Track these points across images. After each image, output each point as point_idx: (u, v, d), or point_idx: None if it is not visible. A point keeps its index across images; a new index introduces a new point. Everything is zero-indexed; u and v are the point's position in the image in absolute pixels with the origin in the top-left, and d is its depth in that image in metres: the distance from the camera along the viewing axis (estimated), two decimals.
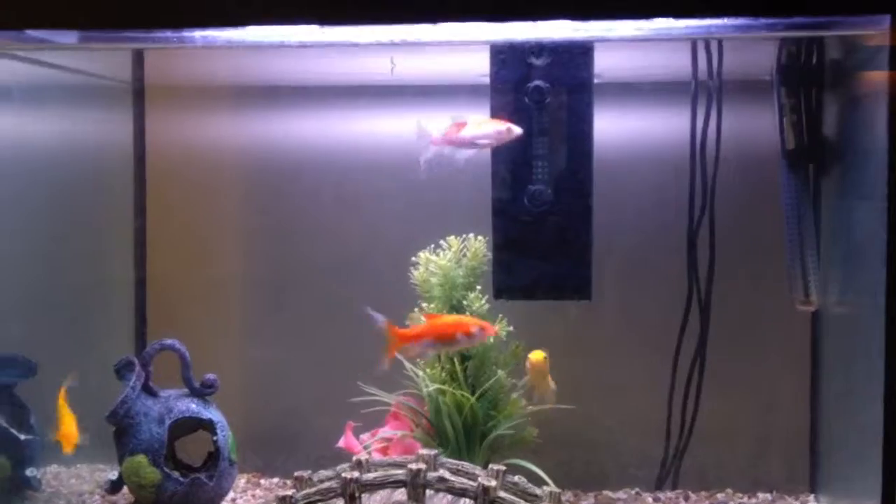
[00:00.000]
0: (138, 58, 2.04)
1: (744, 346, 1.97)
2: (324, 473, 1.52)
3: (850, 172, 1.63)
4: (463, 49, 1.76)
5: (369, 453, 1.74)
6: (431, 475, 1.46)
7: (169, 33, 1.44)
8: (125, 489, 1.82)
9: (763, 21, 1.52)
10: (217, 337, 2.09)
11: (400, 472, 1.48)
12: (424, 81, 1.95)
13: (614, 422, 1.98)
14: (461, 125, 1.67)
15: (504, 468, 1.51)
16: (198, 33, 1.44)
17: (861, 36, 1.56)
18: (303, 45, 1.48)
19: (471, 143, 1.68)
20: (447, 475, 1.47)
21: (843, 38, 1.67)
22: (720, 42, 1.84)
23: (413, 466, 1.46)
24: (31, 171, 1.92)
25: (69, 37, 1.57)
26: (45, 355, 1.84)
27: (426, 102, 1.96)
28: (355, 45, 1.48)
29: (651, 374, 1.97)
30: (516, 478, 1.51)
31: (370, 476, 1.48)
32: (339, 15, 1.34)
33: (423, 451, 1.52)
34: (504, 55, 1.71)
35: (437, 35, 1.49)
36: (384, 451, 1.80)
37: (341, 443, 1.85)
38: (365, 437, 1.84)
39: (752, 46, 1.85)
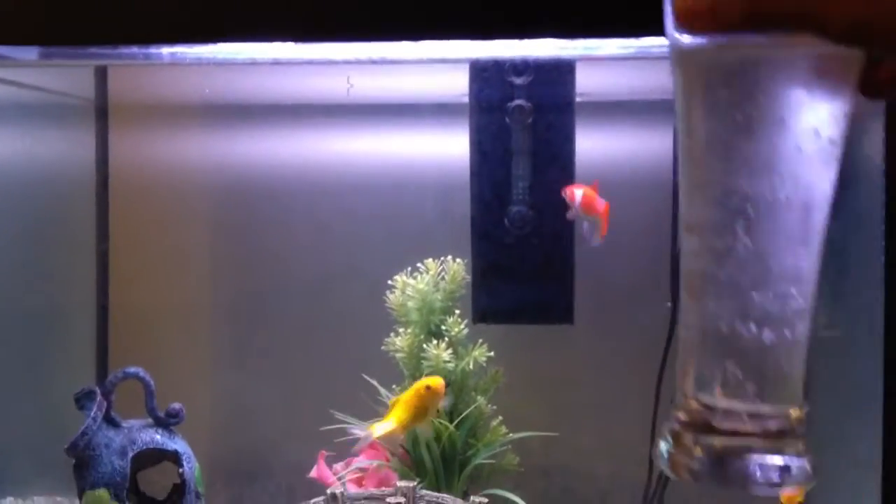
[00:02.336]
0: (101, 74, 1.97)
1: None
2: None
3: (842, 192, 1.59)
4: (442, 67, 1.72)
5: (343, 485, 1.68)
6: None
7: (135, 49, 1.37)
8: None
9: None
10: (183, 365, 2.02)
11: None
12: (403, 100, 1.91)
13: (595, 448, 1.94)
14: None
15: (486, 501, 1.46)
16: (165, 50, 1.38)
17: None
18: (277, 63, 1.42)
19: None
20: None
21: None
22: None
23: (392, 500, 1.41)
24: None
25: (29, 53, 1.50)
26: (1, 384, 1.77)
27: (406, 122, 1.92)
28: (332, 62, 1.43)
29: (634, 399, 1.93)
30: None
31: None
32: (314, 32, 1.29)
33: (402, 484, 1.47)
34: (484, 73, 1.67)
35: (418, 53, 1.44)
36: (359, 481, 1.74)
37: (314, 473, 1.78)
38: (338, 466, 1.77)
39: None
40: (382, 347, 1.72)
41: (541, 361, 1.85)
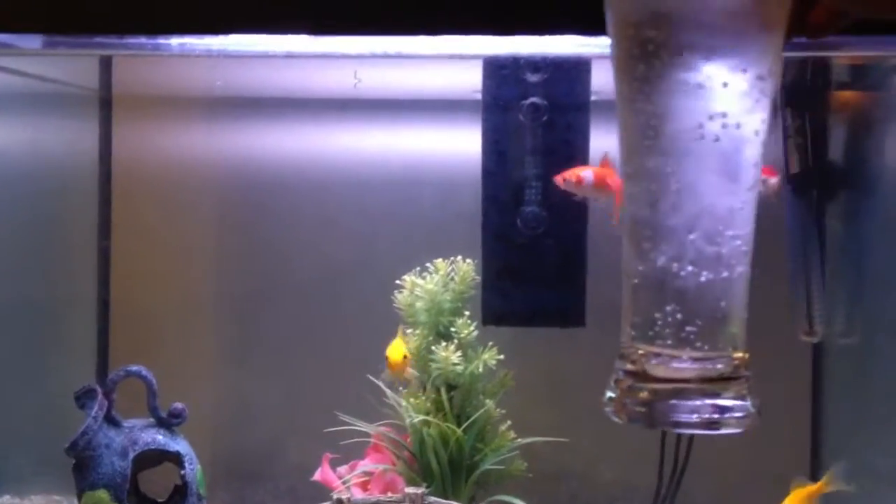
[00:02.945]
0: (106, 64, 1.93)
1: None
2: None
3: (859, 198, 1.57)
4: (453, 63, 1.68)
5: (348, 488, 1.65)
6: None
7: (143, 39, 1.33)
8: None
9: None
10: (185, 362, 1.99)
11: None
12: (413, 96, 1.88)
13: (604, 453, 1.91)
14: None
15: None
16: (174, 41, 1.33)
17: (872, 56, 1.50)
18: (290, 56, 1.38)
19: None
20: None
21: (852, 58, 1.61)
22: None
23: None
24: None
25: (33, 41, 1.46)
26: None
27: (415, 118, 1.88)
28: (346, 56, 1.39)
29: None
30: None
31: None
32: (330, 25, 1.25)
33: (410, 490, 1.44)
34: (499, 70, 1.63)
35: (432, 48, 1.40)
36: (364, 485, 1.70)
37: (317, 476, 1.74)
38: (343, 470, 1.74)
39: None
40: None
41: (551, 364, 1.82)
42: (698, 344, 0.69)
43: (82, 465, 1.66)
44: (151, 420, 1.70)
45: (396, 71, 1.78)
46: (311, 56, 1.43)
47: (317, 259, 1.96)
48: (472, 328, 1.69)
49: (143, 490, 1.74)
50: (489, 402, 1.69)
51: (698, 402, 0.69)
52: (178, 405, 1.70)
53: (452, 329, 1.69)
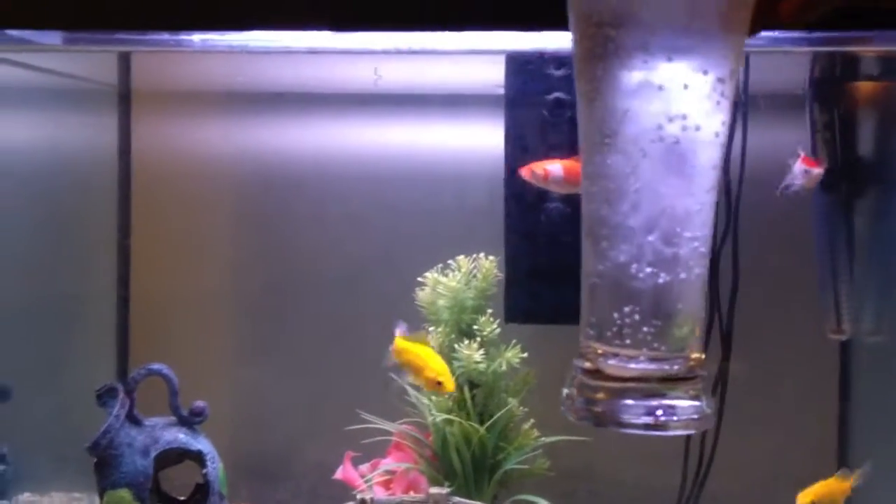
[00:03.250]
0: (124, 60, 1.92)
1: (767, 375, 1.87)
2: None
3: (889, 193, 1.54)
4: (474, 58, 1.66)
5: (371, 487, 1.63)
6: None
7: (166, 36, 1.32)
8: None
9: (795, 34, 1.43)
10: (204, 360, 1.98)
11: None
12: (434, 91, 1.86)
13: (624, 451, 1.89)
14: None
15: None
16: (196, 37, 1.32)
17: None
18: (312, 52, 1.36)
19: None
20: None
21: (881, 52, 1.58)
22: (747, 55, 1.74)
23: None
24: (3, 179, 1.80)
25: (53, 38, 1.45)
26: (19, 377, 1.72)
27: (436, 113, 1.86)
28: (368, 52, 1.37)
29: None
30: None
31: None
32: (352, 20, 1.23)
33: (434, 490, 1.43)
34: (522, 65, 1.61)
35: (455, 43, 1.39)
36: (386, 484, 1.69)
37: (339, 474, 1.73)
38: (365, 468, 1.72)
39: (783, 58, 1.76)
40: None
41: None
42: (655, 344, 0.69)
43: (104, 464, 1.65)
44: (173, 418, 1.69)
45: (417, 67, 1.77)
46: (333, 52, 1.41)
47: (337, 255, 1.95)
48: (494, 326, 1.67)
49: (163, 489, 1.74)
50: (512, 401, 1.67)
51: (654, 403, 0.69)
52: (200, 403, 1.69)
53: (475, 327, 1.67)
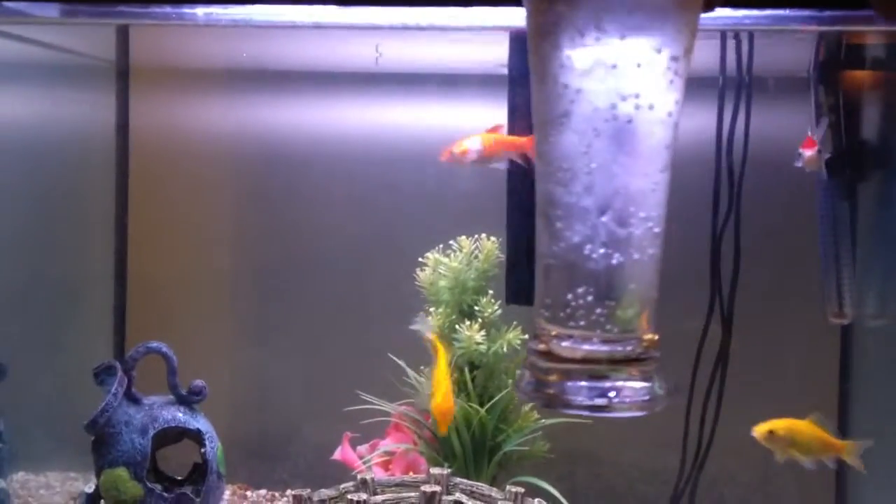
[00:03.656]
0: (123, 35, 1.89)
1: (766, 358, 1.87)
2: (325, 492, 1.41)
3: (893, 179, 1.54)
4: (481, 36, 1.64)
5: (370, 468, 1.62)
6: (447, 499, 1.36)
7: (168, 9, 1.30)
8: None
9: (800, 13, 1.42)
10: (202, 339, 1.96)
11: (412, 494, 1.38)
12: (436, 70, 1.84)
13: (624, 434, 1.88)
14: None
15: (522, 490, 1.41)
16: (200, 10, 1.30)
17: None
18: (318, 27, 1.34)
19: None
20: (463, 499, 1.37)
21: (888, 33, 1.57)
22: (751, 34, 1.73)
23: (427, 489, 1.35)
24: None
25: (50, 10, 1.43)
26: (15, 356, 1.70)
27: (438, 93, 1.85)
28: (373, 27, 1.36)
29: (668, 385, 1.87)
30: (535, 501, 1.41)
31: (379, 499, 1.37)
32: None
33: (435, 471, 1.42)
34: (526, 43, 1.59)
35: (461, 20, 1.37)
36: (385, 465, 1.68)
37: (338, 455, 1.72)
38: (363, 449, 1.72)
39: (787, 40, 1.75)
40: (412, 327, 1.65)
41: None
42: (609, 326, 0.68)
43: (102, 443, 1.63)
44: (171, 397, 1.68)
45: (418, 46, 1.75)
46: (337, 27, 1.40)
47: (338, 235, 1.93)
48: (495, 307, 1.66)
49: (161, 468, 1.72)
50: (512, 383, 1.67)
51: (606, 384, 0.68)
52: (199, 382, 1.68)
53: (476, 308, 1.67)
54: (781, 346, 1.86)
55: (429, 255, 1.69)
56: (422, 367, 1.68)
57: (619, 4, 0.65)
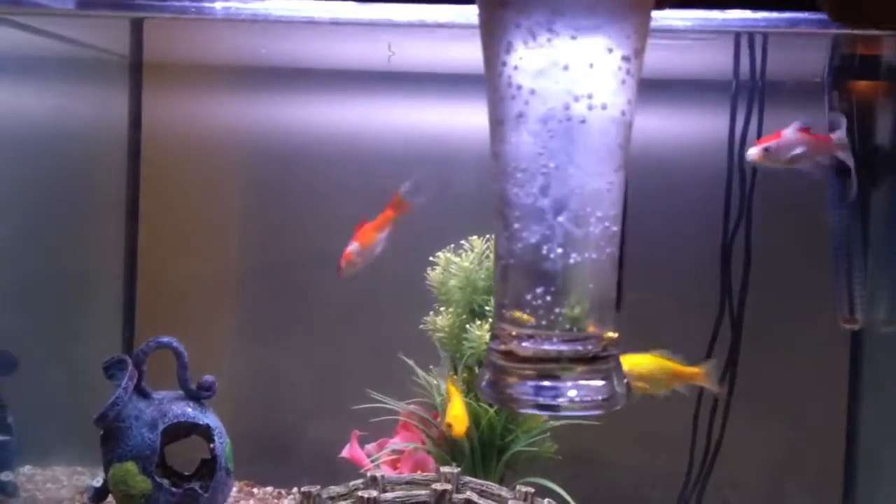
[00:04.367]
0: (136, 29, 1.89)
1: (776, 363, 1.86)
2: (334, 489, 1.41)
3: None
4: None
5: (378, 466, 1.62)
6: (458, 497, 1.36)
7: (187, 3, 1.30)
8: (110, 497, 1.68)
9: (814, 17, 1.42)
10: (211, 335, 1.96)
11: (422, 492, 1.38)
12: (448, 69, 1.84)
13: (632, 436, 1.88)
14: None
15: (532, 490, 1.41)
16: (219, 4, 1.30)
17: None
18: (335, 23, 1.34)
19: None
20: (474, 497, 1.37)
21: None
22: (765, 38, 1.73)
23: (438, 487, 1.35)
24: (12, 148, 1.77)
25: (66, 2, 1.43)
26: (26, 349, 1.70)
27: (450, 92, 1.85)
28: (392, 24, 1.36)
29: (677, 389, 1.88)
30: (545, 501, 1.41)
31: (389, 496, 1.37)
32: None
33: (446, 469, 1.42)
34: None
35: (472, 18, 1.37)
36: (393, 464, 1.68)
37: (346, 453, 1.72)
38: (371, 447, 1.72)
39: (801, 44, 1.75)
40: (421, 326, 1.65)
41: None
42: (567, 325, 0.68)
43: (111, 437, 1.63)
44: (181, 392, 1.68)
45: (431, 44, 1.75)
46: (355, 23, 1.40)
47: (350, 232, 1.93)
48: None
49: (169, 463, 1.72)
50: None
51: (566, 384, 0.68)
52: (209, 378, 1.67)
53: (486, 308, 1.67)
54: (792, 351, 1.86)
55: (440, 254, 1.69)
56: (430, 367, 1.68)
57: (571, 6, 0.66)
